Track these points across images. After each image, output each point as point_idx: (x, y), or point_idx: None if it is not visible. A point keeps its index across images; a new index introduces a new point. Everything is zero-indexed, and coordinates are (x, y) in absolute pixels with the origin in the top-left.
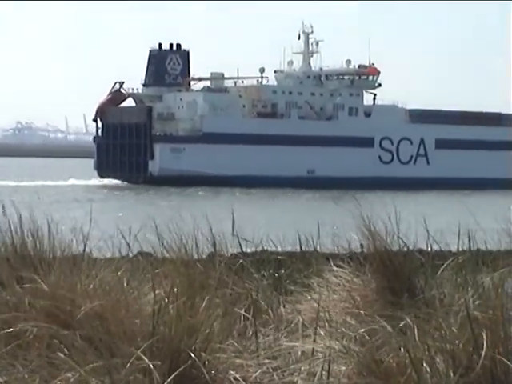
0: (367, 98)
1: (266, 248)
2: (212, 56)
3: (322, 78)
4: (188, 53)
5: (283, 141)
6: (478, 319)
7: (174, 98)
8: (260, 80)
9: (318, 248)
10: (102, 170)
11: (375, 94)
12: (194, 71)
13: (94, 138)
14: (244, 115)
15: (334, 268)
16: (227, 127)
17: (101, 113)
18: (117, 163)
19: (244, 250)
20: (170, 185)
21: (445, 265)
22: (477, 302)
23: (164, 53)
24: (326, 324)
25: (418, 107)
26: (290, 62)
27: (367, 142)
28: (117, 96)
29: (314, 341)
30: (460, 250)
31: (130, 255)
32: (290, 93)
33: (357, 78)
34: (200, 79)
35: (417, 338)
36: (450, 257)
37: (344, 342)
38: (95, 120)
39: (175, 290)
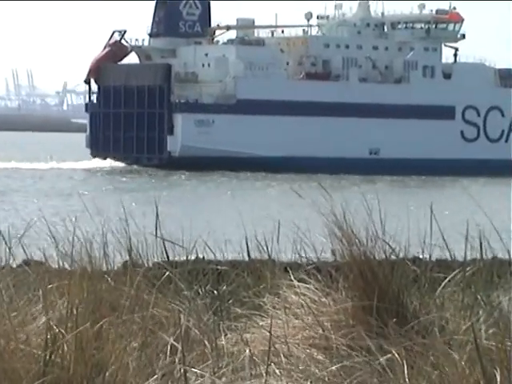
0: (446, 54)
1: (201, 256)
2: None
3: (385, 27)
4: None
5: (339, 111)
6: (491, 353)
7: (194, 53)
8: (306, 29)
9: (274, 256)
10: (98, 149)
11: (457, 49)
12: (216, 18)
13: (87, 105)
14: (288, 76)
15: (295, 283)
16: (268, 92)
17: (96, 72)
18: (119, 140)
19: (171, 258)
20: (193, 169)
21: (447, 279)
22: (490, 330)
23: None
24: (283, 360)
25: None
26: (338, 6)
27: (446, 113)
28: (117, 49)
29: (266, 382)
30: (469, 258)
31: (13, 265)
32: (347, 46)
33: (433, 26)
34: (228, 28)
35: (407, 379)
36: (454, 268)
37: None
38: (87, 81)
39: (75, 312)
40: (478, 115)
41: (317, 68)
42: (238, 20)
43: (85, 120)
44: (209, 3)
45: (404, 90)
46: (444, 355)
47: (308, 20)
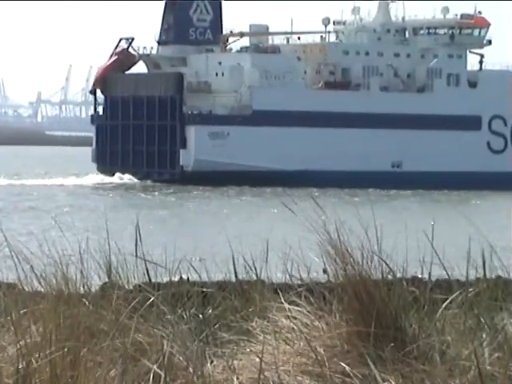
0: (471, 62)
1: (185, 277)
2: (248, 4)
3: (407, 33)
4: None
5: (359, 122)
6: (495, 379)
7: (206, 62)
8: (324, 36)
9: (263, 276)
10: (105, 163)
11: (482, 56)
12: (226, 24)
13: (92, 117)
14: (306, 86)
15: (286, 306)
16: (285, 102)
17: (102, 82)
18: (128, 154)
19: (153, 279)
20: (206, 183)
21: (449, 300)
22: (494, 355)
23: None
24: None
25: None
26: (356, 10)
27: (472, 123)
28: (124, 58)
29: None
30: (471, 278)
31: None
32: (367, 54)
33: (457, 32)
34: (242, 35)
35: None
36: (456, 289)
37: None
38: (93, 92)
39: (50, 339)
40: (505, 125)
41: (336, 77)
42: (250, 26)
43: (61, 132)
44: (220, 7)
45: (427, 99)
46: (445, 382)
47: (325, 26)
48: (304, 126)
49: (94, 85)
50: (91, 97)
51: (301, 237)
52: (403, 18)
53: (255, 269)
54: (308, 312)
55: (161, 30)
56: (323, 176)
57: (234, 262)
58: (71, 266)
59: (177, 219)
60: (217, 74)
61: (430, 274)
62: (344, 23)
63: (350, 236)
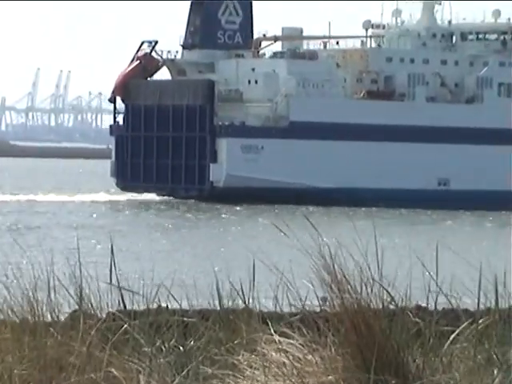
0: None
1: (164, 305)
2: (280, 4)
3: (454, 38)
4: None
5: (404, 135)
6: None
7: (237, 68)
8: (364, 40)
9: (251, 304)
10: (126, 179)
11: None
12: (258, 26)
13: (111, 127)
14: (346, 95)
15: (276, 337)
16: (325, 114)
17: (123, 89)
18: (151, 168)
19: (129, 307)
20: (238, 201)
21: (456, 332)
22: None
23: None
24: None
25: None
26: (397, 12)
27: None
28: (147, 63)
29: None
30: (482, 308)
31: None
32: (412, 61)
33: (510, 37)
34: (276, 39)
35: None
36: (465, 320)
37: None
38: (113, 100)
39: (11, 373)
40: None
41: (378, 85)
42: (283, 29)
43: (28, 142)
44: (251, 8)
45: (477, 111)
46: None
47: (366, 30)
48: (345, 139)
49: (113, 92)
50: (61, 103)
51: (295, 261)
52: (449, 22)
53: (242, 296)
54: (300, 345)
55: (186, 32)
56: (365, 194)
57: (218, 288)
58: (38, 292)
59: (169, 241)
60: (249, 82)
61: (435, 303)
62: (383, 27)
63: (347, 260)
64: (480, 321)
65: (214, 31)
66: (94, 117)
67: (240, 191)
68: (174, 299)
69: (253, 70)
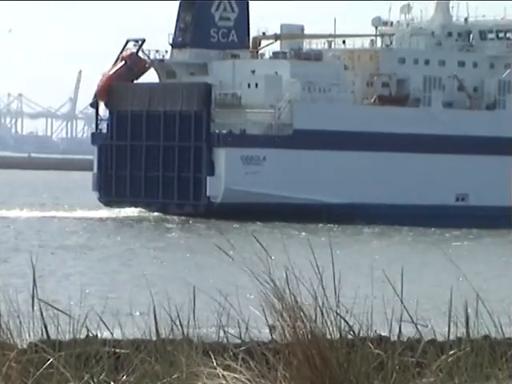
0: None
1: (94, 333)
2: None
3: (472, 37)
4: None
5: (419, 145)
6: None
7: (233, 69)
8: (374, 39)
9: (191, 334)
10: (109, 193)
11: None
12: (257, 25)
13: (93, 135)
14: (356, 100)
15: (220, 372)
16: (333, 121)
17: (106, 93)
18: (139, 181)
19: (53, 336)
20: (237, 218)
21: (424, 366)
22: None
23: None
24: None
25: None
26: (407, 8)
27: None
28: (133, 64)
29: None
30: (452, 338)
31: None
32: (427, 62)
33: None
34: (277, 37)
35: None
36: (433, 351)
37: None
38: (94, 105)
39: None
40: None
41: (390, 89)
42: (282, 26)
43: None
44: (247, 3)
45: (498, 118)
46: None
47: (376, 27)
48: (355, 149)
49: (95, 96)
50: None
51: (243, 285)
52: (466, 19)
53: (181, 325)
54: (247, 379)
55: (176, 30)
56: (376, 210)
57: (155, 315)
58: None
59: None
60: (249, 85)
61: (399, 332)
62: (391, 24)
63: (300, 285)
64: (450, 353)
65: (207, 29)
66: (13, 122)
67: (239, 207)
68: (106, 327)
69: (252, 72)
